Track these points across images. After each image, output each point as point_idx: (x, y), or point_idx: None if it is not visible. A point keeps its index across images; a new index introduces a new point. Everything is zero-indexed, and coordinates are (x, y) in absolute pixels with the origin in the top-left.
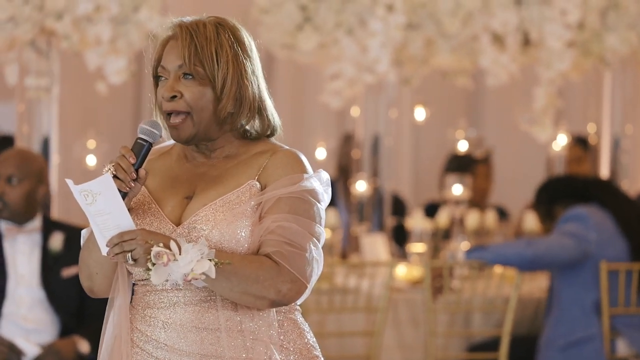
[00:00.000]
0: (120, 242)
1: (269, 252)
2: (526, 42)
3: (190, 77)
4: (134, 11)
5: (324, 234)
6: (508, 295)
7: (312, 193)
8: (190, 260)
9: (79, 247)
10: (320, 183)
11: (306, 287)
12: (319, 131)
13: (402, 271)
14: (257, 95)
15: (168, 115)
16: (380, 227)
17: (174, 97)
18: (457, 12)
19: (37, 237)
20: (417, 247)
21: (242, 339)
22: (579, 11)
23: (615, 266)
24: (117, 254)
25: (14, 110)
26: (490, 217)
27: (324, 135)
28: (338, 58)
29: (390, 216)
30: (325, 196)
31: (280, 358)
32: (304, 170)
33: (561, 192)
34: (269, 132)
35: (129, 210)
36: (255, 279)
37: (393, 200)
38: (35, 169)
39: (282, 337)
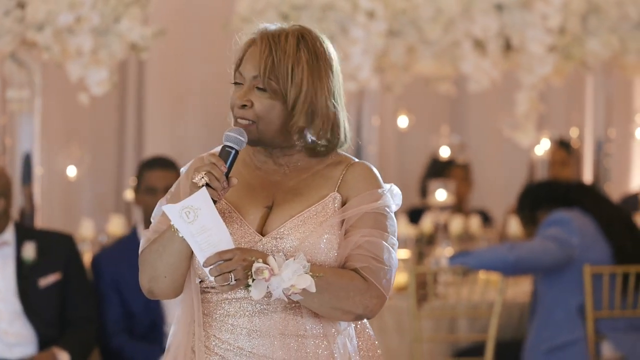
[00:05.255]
0: (218, 263)
1: (358, 267)
2: (507, 47)
3: (263, 90)
4: (115, 22)
5: (397, 244)
6: (492, 300)
7: (389, 207)
8: (292, 275)
9: (54, 254)
10: (392, 197)
11: (386, 300)
12: None
13: None
14: (331, 111)
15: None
16: None
17: (244, 106)
18: (438, 18)
19: (9, 250)
20: (401, 254)
21: (327, 344)
22: (560, 16)
23: (599, 269)
24: (217, 276)
25: None
26: (474, 223)
27: None
28: None
29: None
30: (395, 208)
31: None
32: (380, 185)
33: (543, 198)
34: (337, 146)
35: None
36: (346, 294)
37: None
38: None
39: (359, 343)
